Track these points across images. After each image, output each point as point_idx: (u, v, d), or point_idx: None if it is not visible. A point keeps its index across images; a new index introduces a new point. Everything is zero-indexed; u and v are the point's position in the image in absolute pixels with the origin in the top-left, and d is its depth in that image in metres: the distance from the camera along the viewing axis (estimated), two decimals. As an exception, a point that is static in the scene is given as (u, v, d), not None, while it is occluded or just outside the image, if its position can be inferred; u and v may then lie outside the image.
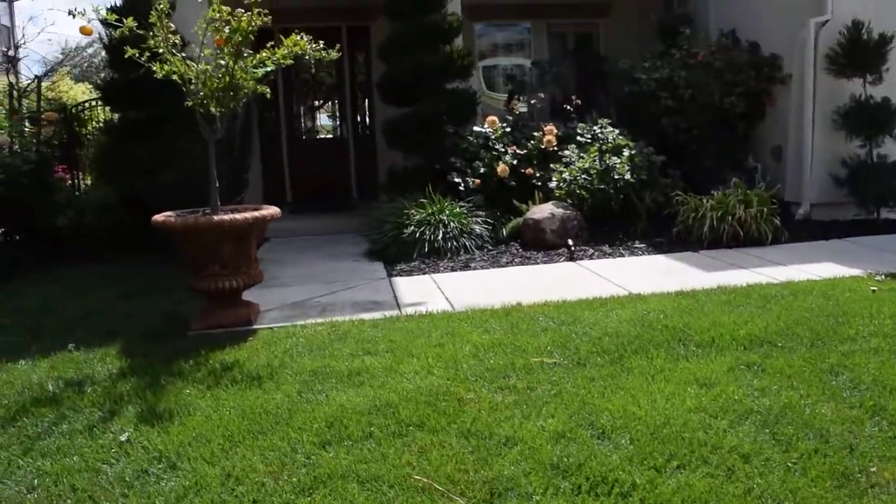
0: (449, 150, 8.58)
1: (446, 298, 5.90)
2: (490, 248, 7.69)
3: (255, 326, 5.35)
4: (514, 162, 8.38)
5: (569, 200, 8.07)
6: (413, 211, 7.72)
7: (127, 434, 3.57)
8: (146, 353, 4.82)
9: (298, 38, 5.18)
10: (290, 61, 5.21)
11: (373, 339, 4.78)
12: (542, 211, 7.75)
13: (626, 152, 8.23)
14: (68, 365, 4.75)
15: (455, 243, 7.48)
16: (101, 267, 7.99)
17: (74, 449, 3.49)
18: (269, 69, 5.22)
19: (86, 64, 26.05)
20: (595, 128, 8.72)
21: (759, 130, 9.69)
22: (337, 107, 13.07)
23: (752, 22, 9.73)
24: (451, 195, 8.09)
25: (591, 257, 7.29)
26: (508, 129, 8.78)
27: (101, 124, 11.80)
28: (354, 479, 3.03)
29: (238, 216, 5.10)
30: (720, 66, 9.22)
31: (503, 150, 8.48)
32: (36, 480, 3.21)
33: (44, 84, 11.65)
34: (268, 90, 5.38)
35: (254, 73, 5.17)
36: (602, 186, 7.98)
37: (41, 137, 8.96)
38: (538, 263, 7.15)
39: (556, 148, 8.51)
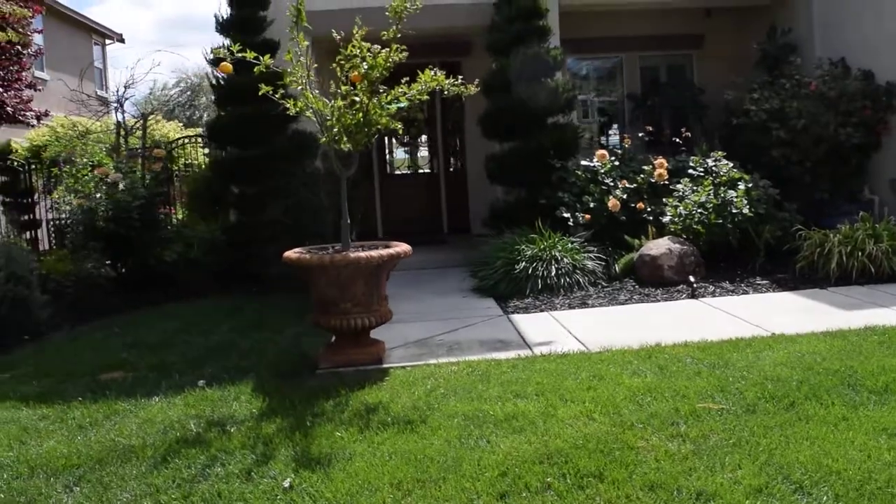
0: (555, 184, 8.41)
1: (576, 338, 5.70)
2: (604, 284, 7.45)
3: (385, 365, 5.23)
4: (624, 196, 8.15)
5: (683, 235, 7.80)
6: (523, 246, 7.55)
7: (289, 480, 3.46)
8: (281, 392, 4.74)
9: (433, 73, 5.11)
10: (425, 97, 5.14)
11: (517, 381, 4.60)
12: (658, 246, 7.49)
13: (741, 185, 7.93)
14: (203, 403, 4.70)
15: (568, 279, 7.28)
16: (208, 301, 8.01)
17: (236, 494, 3.39)
18: (402, 105, 5.15)
19: (172, 103, 26.93)
20: (708, 161, 8.44)
21: (874, 161, 9.29)
22: (427, 142, 13.09)
23: (862, 50, 9.37)
24: (558, 230, 7.90)
25: (713, 294, 7.00)
26: (617, 163, 8.58)
27: (189, 161, 12.05)
28: (548, 536, 2.86)
29: (373, 253, 5.00)
30: (834, 95, 8.89)
31: (612, 183, 8.27)
32: (206, 528, 3.12)
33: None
34: (400, 126, 5.31)
35: (388, 109, 5.12)
36: (719, 221, 7.69)
37: (148, 174, 9.12)
38: (658, 301, 6.90)
39: (666, 181, 8.26)
